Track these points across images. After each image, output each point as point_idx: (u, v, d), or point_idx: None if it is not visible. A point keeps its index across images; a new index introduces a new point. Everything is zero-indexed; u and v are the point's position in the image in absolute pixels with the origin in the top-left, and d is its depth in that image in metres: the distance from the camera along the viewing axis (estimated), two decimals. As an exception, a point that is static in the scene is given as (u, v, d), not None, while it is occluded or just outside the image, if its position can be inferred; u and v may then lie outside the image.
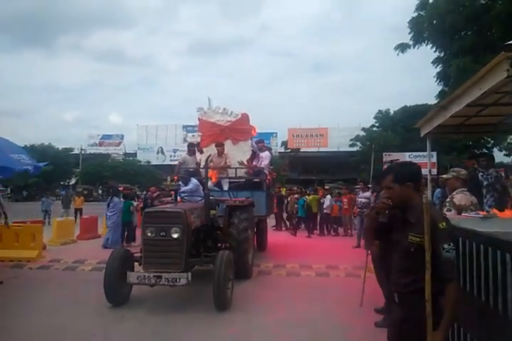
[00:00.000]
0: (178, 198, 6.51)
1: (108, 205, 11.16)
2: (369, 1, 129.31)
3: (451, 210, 4.32)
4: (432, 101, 36.78)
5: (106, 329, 4.60)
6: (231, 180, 8.66)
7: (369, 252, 5.58)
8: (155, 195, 12.92)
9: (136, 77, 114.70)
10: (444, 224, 2.28)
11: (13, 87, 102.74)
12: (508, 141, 28.98)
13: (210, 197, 6.41)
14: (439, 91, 14.76)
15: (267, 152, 9.18)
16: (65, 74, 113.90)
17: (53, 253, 9.22)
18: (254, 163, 8.97)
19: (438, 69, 14.26)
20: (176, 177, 8.77)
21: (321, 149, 51.68)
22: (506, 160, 31.99)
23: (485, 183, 5.79)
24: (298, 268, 7.81)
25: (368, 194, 10.99)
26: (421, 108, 41.53)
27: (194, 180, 7.00)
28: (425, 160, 35.18)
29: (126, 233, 11.26)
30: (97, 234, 12.77)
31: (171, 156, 53.65)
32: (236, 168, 8.61)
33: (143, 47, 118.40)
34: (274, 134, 49.63)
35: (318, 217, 14.25)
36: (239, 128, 9.08)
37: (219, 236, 6.69)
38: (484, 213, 4.03)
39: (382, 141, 39.10)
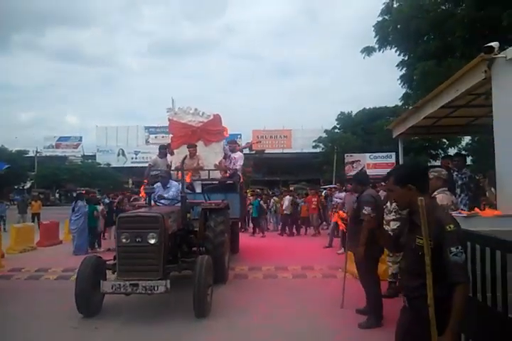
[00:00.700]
0: (152, 202, 6.24)
1: (73, 209, 10.63)
2: (332, 6, 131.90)
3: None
4: (391, 103, 37.95)
5: (80, 343, 4.30)
6: (204, 182, 8.45)
7: (347, 253, 5.58)
8: (117, 199, 12.47)
9: (95, 77, 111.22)
10: (451, 226, 2.20)
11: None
12: (467, 141, 30.21)
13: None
14: (403, 94, 15.17)
15: (239, 153, 9.05)
16: (19, 73, 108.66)
17: (13, 261, 8.66)
18: (227, 165, 8.80)
19: (401, 72, 14.66)
20: (146, 180, 8.47)
21: (285, 150, 52.12)
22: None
23: (459, 182, 5.93)
24: (274, 270, 7.72)
25: (342, 194, 11.12)
26: (379, 110, 42.91)
27: (175, 183, 6.73)
28: (384, 160, 36.12)
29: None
30: (58, 240, 12.15)
31: (132, 158, 52.37)
32: (209, 170, 8.42)
33: (103, 47, 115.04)
34: (239, 136, 49.32)
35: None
36: (211, 129, 8.89)
37: (194, 240, 6.48)
38: (466, 212, 4.08)
39: (344, 142, 39.91)
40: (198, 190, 8.34)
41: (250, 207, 14.84)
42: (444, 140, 33.67)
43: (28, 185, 48.87)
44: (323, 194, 17.37)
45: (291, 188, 33.20)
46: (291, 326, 4.72)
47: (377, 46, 14.08)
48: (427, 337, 2.15)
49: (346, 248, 5.24)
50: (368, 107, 44.72)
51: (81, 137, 56.62)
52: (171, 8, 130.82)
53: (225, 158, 9.00)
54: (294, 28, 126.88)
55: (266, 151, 45.80)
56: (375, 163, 35.98)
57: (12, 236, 10.51)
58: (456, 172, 5.96)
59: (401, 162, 8.00)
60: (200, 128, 8.88)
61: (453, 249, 2.15)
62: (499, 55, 4.03)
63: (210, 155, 8.85)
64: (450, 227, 2.19)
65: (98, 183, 40.47)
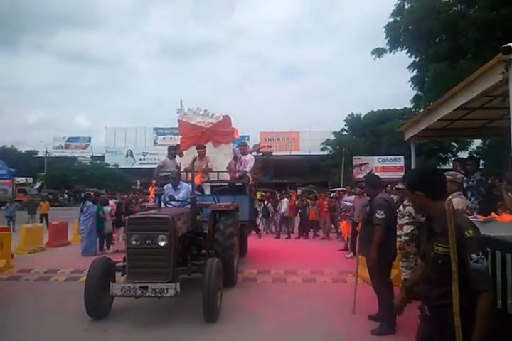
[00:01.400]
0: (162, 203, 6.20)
1: (81, 210, 10.64)
2: (342, 7, 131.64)
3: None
4: (400, 105, 37.76)
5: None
6: (213, 184, 8.39)
7: (358, 257, 5.49)
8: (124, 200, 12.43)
9: (104, 78, 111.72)
10: (471, 232, 2.12)
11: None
12: (478, 145, 29.90)
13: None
14: (414, 96, 15.05)
15: (250, 155, 8.99)
16: (29, 74, 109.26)
17: (22, 262, 8.65)
18: (236, 166, 8.75)
19: (412, 74, 14.55)
20: (154, 181, 8.44)
21: (293, 153, 52.01)
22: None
23: (465, 185, 5.80)
24: (283, 274, 7.64)
25: (352, 197, 11.01)
26: (389, 113, 42.69)
27: (185, 184, 6.68)
28: (393, 163, 35.89)
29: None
30: (67, 241, 12.18)
31: (140, 159, 52.61)
32: (218, 172, 8.36)
33: (112, 48, 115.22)
34: (246, 137, 49.39)
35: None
36: (220, 131, 8.84)
37: (203, 243, 6.43)
38: (483, 217, 3.98)
39: (352, 144, 39.75)
40: (207, 191, 8.28)
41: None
42: (454, 143, 33.44)
43: (37, 185, 49.25)
44: (332, 197, 17.26)
45: (299, 191, 33.20)
46: (302, 331, 4.64)
47: (388, 47, 14.00)
48: None
49: (358, 252, 5.14)
50: (376, 109, 44.59)
51: (90, 138, 57.05)
52: (180, 10, 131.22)
53: (235, 159, 8.94)
54: (303, 29, 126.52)
55: (273, 153, 45.93)
56: (384, 166, 35.81)
57: (21, 236, 10.52)
58: (465, 177, 5.84)
59: (413, 165, 7.89)
60: (210, 130, 8.83)
61: (474, 256, 2.07)
62: (517, 56, 3.93)
63: (219, 157, 8.79)
64: (469, 233, 2.12)
65: (106, 184, 40.62)
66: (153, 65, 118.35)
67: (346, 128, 45.37)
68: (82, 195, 13.70)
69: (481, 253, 2.09)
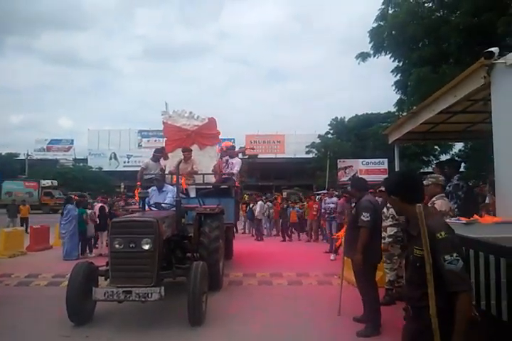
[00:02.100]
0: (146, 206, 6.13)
1: (62, 213, 10.45)
2: (326, 11, 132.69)
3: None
4: (384, 109, 38.21)
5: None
6: (198, 187, 8.34)
7: (344, 259, 5.50)
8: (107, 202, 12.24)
9: (88, 80, 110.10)
10: (443, 233, 2.13)
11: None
12: (459, 148, 30.40)
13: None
14: (397, 100, 15.24)
15: (237, 158, 8.94)
16: (13, 75, 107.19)
17: (2, 266, 8.46)
18: (222, 169, 8.70)
19: (396, 78, 14.74)
20: (139, 183, 8.34)
21: (278, 155, 52.15)
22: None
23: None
24: (268, 276, 7.62)
25: (334, 199, 11.11)
26: (373, 116, 43.17)
27: (170, 187, 6.61)
28: (377, 166, 36.23)
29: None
30: (48, 245, 11.94)
31: (124, 162, 52.09)
32: (203, 174, 8.31)
33: (97, 50, 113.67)
34: (232, 140, 49.38)
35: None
36: (206, 133, 8.80)
37: (188, 246, 6.37)
38: (466, 219, 4.03)
39: (337, 147, 40.04)
40: (193, 194, 8.23)
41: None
42: (436, 147, 33.96)
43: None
44: (317, 199, 17.33)
45: (284, 194, 33.23)
46: (288, 334, 4.62)
47: (372, 52, 14.15)
48: None
49: (344, 254, 5.15)
50: (360, 113, 45.05)
51: (72, 140, 56.38)
52: (166, 13, 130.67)
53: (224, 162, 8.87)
54: (288, 33, 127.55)
55: (259, 156, 46.02)
56: (368, 169, 36.10)
57: (1, 240, 10.30)
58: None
59: (397, 167, 7.97)
60: (195, 132, 8.79)
61: (447, 257, 2.08)
62: (499, 61, 4.01)
63: (204, 159, 8.75)
64: (441, 235, 2.13)
65: (89, 187, 40.08)
66: (139, 67, 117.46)
67: (331, 131, 45.69)
68: (64, 198, 13.47)
69: (454, 255, 2.09)
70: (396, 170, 7.99)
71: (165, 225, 5.33)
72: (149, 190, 6.54)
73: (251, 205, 16.69)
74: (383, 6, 14.20)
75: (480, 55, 4.16)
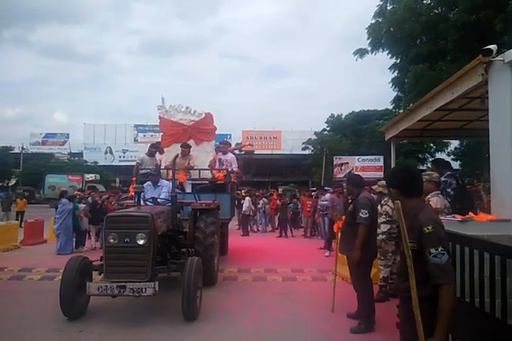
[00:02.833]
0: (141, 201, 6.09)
1: (56, 207, 10.40)
2: (324, 8, 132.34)
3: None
4: (381, 106, 38.28)
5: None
6: (194, 182, 8.31)
7: (338, 256, 5.51)
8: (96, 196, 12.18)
9: (84, 74, 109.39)
10: (429, 227, 2.22)
11: None
12: (455, 146, 30.50)
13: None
14: (394, 97, 15.24)
15: (230, 154, 8.87)
16: (8, 69, 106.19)
17: (-5, 260, 8.42)
18: (217, 165, 8.65)
19: (393, 75, 14.72)
20: (134, 179, 8.30)
21: (275, 152, 52.13)
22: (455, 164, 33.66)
23: None
24: (263, 272, 7.63)
25: (327, 196, 11.16)
26: (369, 113, 43.22)
27: (166, 182, 6.58)
28: (373, 163, 36.34)
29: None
30: (43, 239, 11.89)
31: (120, 157, 51.88)
32: (200, 170, 8.28)
33: (93, 44, 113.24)
34: (228, 136, 49.35)
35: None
36: (202, 128, 8.76)
37: (183, 241, 6.36)
38: (461, 217, 4.04)
39: (333, 144, 40.07)
40: (188, 189, 8.20)
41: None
42: (432, 144, 34.07)
43: (12, 182, 48.01)
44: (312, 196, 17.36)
45: (280, 190, 33.26)
46: (282, 330, 4.62)
47: (369, 48, 14.11)
48: (413, 335, 2.18)
49: (339, 250, 5.15)
50: (357, 110, 45.07)
51: (68, 134, 56.03)
52: (163, 7, 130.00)
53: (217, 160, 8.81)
54: (286, 29, 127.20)
55: (255, 152, 45.92)
56: (363, 166, 36.14)
57: (-5, 234, 10.23)
58: None
59: (393, 164, 7.96)
60: (192, 127, 8.74)
61: (432, 251, 2.17)
62: (497, 58, 3.99)
63: (201, 155, 8.72)
64: (428, 229, 2.21)
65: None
66: (135, 61, 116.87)
67: (328, 128, 45.69)
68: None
69: (440, 248, 2.17)
70: (392, 167, 8.00)
71: (160, 220, 5.31)
72: (145, 185, 6.50)
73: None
74: (382, 2, 14.17)
75: (478, 53, 4.15)
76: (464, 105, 5.86)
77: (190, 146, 8.28)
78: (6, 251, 9.91)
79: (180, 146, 8.19)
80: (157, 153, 8.80)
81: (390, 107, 18.53)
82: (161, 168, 8.38)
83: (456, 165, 28.26)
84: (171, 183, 6.36)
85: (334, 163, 36.84)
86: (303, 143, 44.76)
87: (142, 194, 6.16)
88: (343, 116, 45.25)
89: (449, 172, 5.76)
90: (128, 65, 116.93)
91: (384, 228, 5.64)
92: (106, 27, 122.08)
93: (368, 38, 13.86)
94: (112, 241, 4.81)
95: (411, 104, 6.93)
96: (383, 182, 6.12)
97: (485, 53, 4.04)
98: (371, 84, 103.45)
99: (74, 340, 4.43)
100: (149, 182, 6.68)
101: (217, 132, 9.48)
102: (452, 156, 29.69)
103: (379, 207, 5.74)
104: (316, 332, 4.59)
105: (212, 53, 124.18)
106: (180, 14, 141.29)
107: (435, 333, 2.13)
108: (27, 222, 12.14)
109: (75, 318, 4.82)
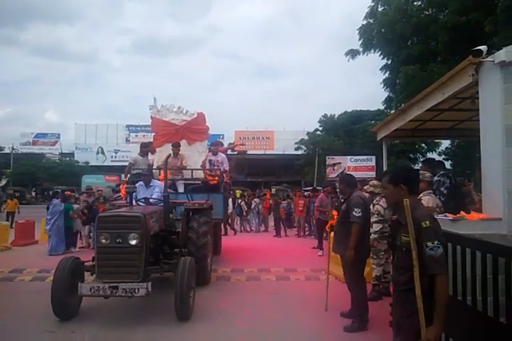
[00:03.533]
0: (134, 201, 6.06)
1: (47, 208, 10.32)
2: (316, 8, 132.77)
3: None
4: (372, 107, 38.48)
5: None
6: (186, 182, 8.29)
7: (330, 255, 5.54)
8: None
9: (76, 73, 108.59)
10: (427, 222, 2.37)
11: None
12: (446, 145, 30.74)
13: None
14: (386, 97, 15.34)
15: (222, 154, 8.85)
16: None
17: (-15, 262, 8.32)
18: (208, 166, 8.63)
19: (384, 76, 14.82)
20: (125, 179, 8.26)
21: (268, 152, 52.14)
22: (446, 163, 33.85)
23: None
24: (256, 272, 7.64)
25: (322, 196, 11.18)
26: (362, 113, 43.43)
27: (158, 183, 6.56)
28: (365, 163, 36.48)
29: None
30: (34, 240, 11.78)
31: (111, 157, 51.54)
32: (192, 170, 8.26)
33: (85, 43, 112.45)
34: (221, 136, 49.31)
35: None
36: (195, 128, 8.74)
37: (176, 241, 6.33)
38: (452, 216, 4.07)
39: (326, 145, 40.20)
40: (181, 189, 8.18)
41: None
42: (423, 144, 34.32)
43: (3, 182, 47.53)
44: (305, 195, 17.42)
45: (273, 190, 33.29)
46: (275, 329, 4.63)
47: (361, 49, 14.19)
48: (413, 329, 2.34)
49: (332, 250, 5.16)
50: (350, 110, 45.24)
51: (59, 134, 55.51)
52: (155, 6, 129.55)
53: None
54: (278, 29, 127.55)
55: (248, 152, 45.89)
56: (356, 166, 36.30)
57: (-15, 235, 10.13)
58: None
59: (385, 164, 8.01)
60: (184, 127, 8.72)
61: (429, 244, 2.32)
62: (487, 59, 4.03)
63: (193, 155, 8.70)
64: (426, 224, 2.37)
65: (76, 182, 39.59)
66: (127, 60, 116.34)
67: (320, 128, 45.82)
68: (51, 192, 13.30)
69: (436, 242, 2.32)
70: (384, 166, 8.04)
71: (152, 220, 5.29)
72: (136, 185, 6.47)
73: (239, 201, 16.71)
74: (373, 4, 14.25)
75: (468, 54, 4.19)
76: (455, 105, 5.92)
77: (180, 145, 8.22)
78: (-4, 252, 9.81)
79: (171, 146, 8.15)
80: (149, 152, 8.76)
81: (382, 108, 18.65)
82: (153, 168, 8.35)
83: (447, 164, 28.37)
84: (163, 183, 6.33)
85: (327, 163, 36.96)
86: (295, 144, 44.83)
87: (134, 194, 6.13)
88: (336, 117, 45.39)
89: (442, 172, 5.81)
90: (120, 64, 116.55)
91: (376, 227, 5.67)
92: (97, 26, 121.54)
93: (359, 39, 13.96)
94: (103, 241, 4.78)
95: (402, 105, 6.96)
96: (375, 182, 6.16)
97: (475, 54, 4.09)
98: (363, 85, 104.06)
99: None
100: (141, 183, 6.65)
101: (209, 132, 9.48)
102: (443, 156, 29.90)
103: (371, 206, 5.78)
104: (310, 331, 4.60)
105: (206, 53, 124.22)
106: (172, 13, 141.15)
107: (434, 320, 2.27)
108: (18, 222, 12.03)
109: (67, 319, 4.79)
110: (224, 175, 8.37)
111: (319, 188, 14.91)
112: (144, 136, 46.22)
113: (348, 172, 28.05)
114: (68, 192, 13.99)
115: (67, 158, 50.49)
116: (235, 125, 57.79)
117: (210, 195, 7.81)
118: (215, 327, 4.72)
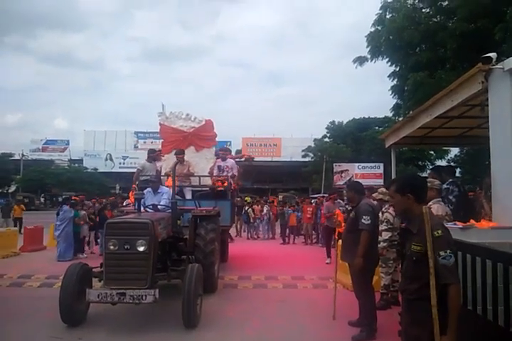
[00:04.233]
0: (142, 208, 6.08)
1: (57, 214, 10.39)
2: (323, 16, 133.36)
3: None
4: (380, 114, 38.40)
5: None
6: (194, 189, 8.30)
7: (338, 263, 5.50)
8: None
9: (85, 81, 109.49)
10: (439, 231, 2.35)
11: None
12: (455, 153, 30.53)
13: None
14: (394, 105, 15.30)
15: (231, 160, 8.87)
16: (8, 75, 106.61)
17: (-6, 267, 8.38)
18: (216, 172, 8.65)
19: (392, 83, 14.81)
20: (134, 185, 8.29)
21: (275, 159, 52.12)
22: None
23: None
24: (263, 279, 7.59)
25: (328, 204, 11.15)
26: (370, 120, 43.37)
27: (166, 189, 6.58)
28: (372, 171, 36.28)
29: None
30: (42, 246, 11.85)
31: (120, 163, 51.89)
32: (200, 176, 8.28)
33: (93, 51, 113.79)
34: (228, 143, 49.47)
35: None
36: (203, 135, 8.77)
37: (183, 248, 6.33)
38: (462, 224, 4.03)
39: (334, 151, 40.11)
40: (188, 196, 8.19)
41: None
42: (432, 152, 34.12)
43: (12, 188, 47.98)
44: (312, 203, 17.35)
45: (280, 197, 33.18)
46: (282, 338, 4.59)
47: (369, 56, 14.20)
48: (421, 338, 2.32)
49: (340, 258, 5.13)
50: (357, 117, 45.18)
51: (68, 141, 56.08)
52: (164, 15, 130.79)
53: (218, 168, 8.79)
54: (285, 37, 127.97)
55: (255, 159, 45.96)
56: (363, 173, 36.12)
57: (-6, 241, 10.20)
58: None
59: (393, 172, 7.98)
60: (192, 134, 8.76)
61: (442, 253, 2.30)
62: (496, 66, 4.02)
63: (201, 161, 8.72)
64: (438, 233, 2.34)
65: (85, 188, 39.87)
66: (136, 68, 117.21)
67: (328, 135, 45.77)
68: (60, 198, 13.39)
69: (448, 251, 2.31)
70: (393, 174, 8.00)
71: (160, 227, 5.30)
72: (145, 192, 6.50)
73: (246, 208, 16.68)
74: (381, 11, 14.29)
75: (477, 61, 4.18)
76: (464, 113, 5.89)
77: (184, 152, 8.21)
78: (5, 258, 9.87)
79: (175, 154, 8.13)
80: (156, 159, 8.81)
81: (390, 115, 18.60)
82: (161, 174, 8.38)
83: (456, 172, 28.16)
84: (171, 190, 6.35)
85: (334, 170, 36.84)
86: (303, 151, 44.78)
87: (142, 200, 6.15)
88: (344, 124, 45.34)
89: (450, 180, 5.76)
90: (128, 71, 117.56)
91: (385, 235, 5.62)
92: (106, 34, 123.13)
93: (367, 46, 13.98)
94: (112, 247, 4.79)
95: (410, 112, 6.94)
96: (383, 190, 6.11)
97: (485, 61, 4.08)
98: (371, 92, 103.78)
99: (73, 348, 4.40)
100: (149, 189, 6.68)
101: (217, 139, 9.52)
102: (452, 163, 29.68)
103: (380, 214, 5.73)
104: (318, 340, 4.56)
105: (213, 61, 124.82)
106: (180, 22, 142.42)
107: (448, 330, 2.23)
108: (27, 228, 12.11)
109: (74, 325, 4.80)
110: (231, 181, 8.36)
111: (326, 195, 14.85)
112: (152, 142, 46.47)
113: (356, 180, 27.92)
114: (76, 198, 14.10)
115: (76, 165, 50.90)
116: (242, 132, 57.96)
117: (217, 202, 7.81)
118: (222, 334, 4.69)
